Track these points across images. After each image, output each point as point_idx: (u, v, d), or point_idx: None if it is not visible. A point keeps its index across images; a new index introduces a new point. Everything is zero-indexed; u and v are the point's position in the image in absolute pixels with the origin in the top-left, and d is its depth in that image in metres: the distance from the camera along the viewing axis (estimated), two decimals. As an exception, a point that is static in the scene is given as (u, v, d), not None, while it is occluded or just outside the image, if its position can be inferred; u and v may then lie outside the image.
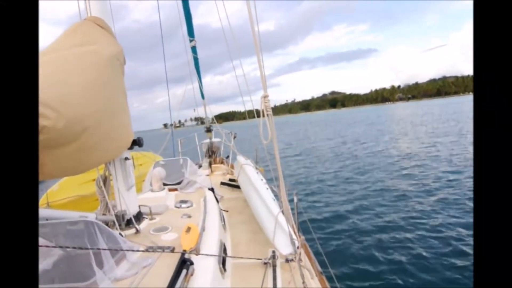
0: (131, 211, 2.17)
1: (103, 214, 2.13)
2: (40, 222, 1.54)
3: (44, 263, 1.54)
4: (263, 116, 2.09)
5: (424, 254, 4.67)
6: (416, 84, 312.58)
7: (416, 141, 17.51)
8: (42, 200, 3.91)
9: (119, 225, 2.08)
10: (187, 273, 1.45)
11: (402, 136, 21.24)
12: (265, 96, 2.11)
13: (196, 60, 5.55)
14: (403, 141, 18.65)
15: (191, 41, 5.41)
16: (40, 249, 1.50)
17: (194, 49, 5.51)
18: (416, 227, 5.69)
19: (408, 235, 5.37)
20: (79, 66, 1.68)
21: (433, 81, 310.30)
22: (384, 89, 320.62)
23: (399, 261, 4.56)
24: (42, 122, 1.31)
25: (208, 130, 6.41)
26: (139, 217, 2.24)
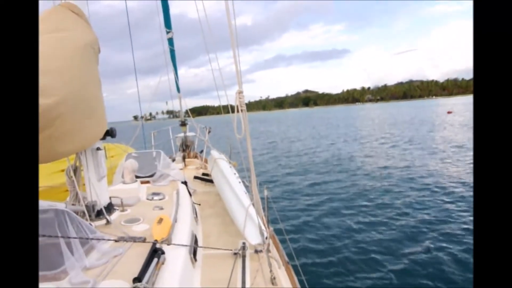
0: (102, 202, 2.15)
1: (73, 205, 2.09)
2: None
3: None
4: (238, 111, 2.15)
5: (397, 244, 5.05)
6: (385, 86, 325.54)
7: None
8: None
9: (89, 216, 2.06)
10: (158, 261, 1.48)
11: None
12: (240, 92, 2.17)
13: (172, 52, 5.45)
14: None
15: (167, 32, 5.30)
16: None
17: (170, 41, 5.39)
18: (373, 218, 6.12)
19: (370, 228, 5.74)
20: (52, 53, 1.65)
21: (400, 84, 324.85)
22: (355, 90, 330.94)
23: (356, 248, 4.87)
24: None
25: (183, 124, 6.35)
26: (110, 208, 2.23)
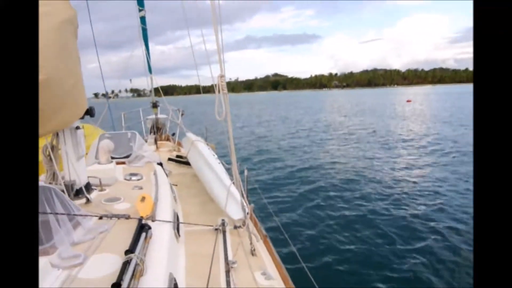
0: (81, 181, 2.15)
1: (50, 183, 2.07)
2: None
3: None
4: (219, 92, 2.20)
5: (366, 214, 5.63)
6: (351, 73, 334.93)
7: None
8: None
9: (68, 195, 2.06)
10: (146, 236, 1.56)
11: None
12: (222, 76, 2.23)
13: (145, 31, 5.24)
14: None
15: (140, 10, 5.08)
16: None
17: (143, 19, 5.17)
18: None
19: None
20: None
21: (365, 72, 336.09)
22: (322, 75, 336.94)
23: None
24: None
25: (154, 105, 6.15)
26: (88, 187, 2.23)
